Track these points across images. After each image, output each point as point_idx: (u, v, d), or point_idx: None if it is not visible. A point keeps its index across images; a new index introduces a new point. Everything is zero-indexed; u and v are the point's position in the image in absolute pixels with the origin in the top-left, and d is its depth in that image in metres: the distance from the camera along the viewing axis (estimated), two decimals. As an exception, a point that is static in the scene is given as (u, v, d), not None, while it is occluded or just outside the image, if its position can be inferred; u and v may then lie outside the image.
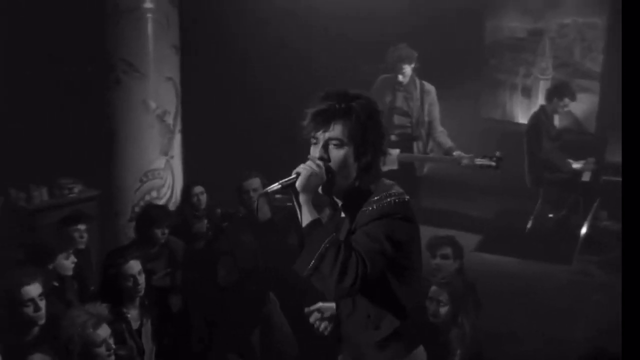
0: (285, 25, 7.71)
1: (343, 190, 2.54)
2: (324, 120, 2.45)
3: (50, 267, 4.66)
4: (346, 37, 7.85)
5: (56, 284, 4.63)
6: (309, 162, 2.44)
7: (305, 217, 2.40)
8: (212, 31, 7.31)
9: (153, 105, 6.75)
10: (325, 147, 2.47)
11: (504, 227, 8.19)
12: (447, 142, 6.52)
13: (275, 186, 2.44)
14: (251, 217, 5.57)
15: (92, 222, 5.72)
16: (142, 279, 4.18)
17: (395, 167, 6.56)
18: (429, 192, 7.19)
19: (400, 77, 6.50)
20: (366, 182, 2.55)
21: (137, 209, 6.78)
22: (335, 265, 2.30)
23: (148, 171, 6.86)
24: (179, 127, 7.06)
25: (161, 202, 6.77)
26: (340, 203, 2.63)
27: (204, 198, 6.30)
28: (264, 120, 7.97)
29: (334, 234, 2.41)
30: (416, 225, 2.58)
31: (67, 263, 4.87)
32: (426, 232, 3.54)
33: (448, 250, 4.76)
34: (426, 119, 6.56)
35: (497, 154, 6.18)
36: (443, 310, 4.17)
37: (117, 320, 4.06)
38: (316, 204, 2.45)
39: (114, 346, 3.60)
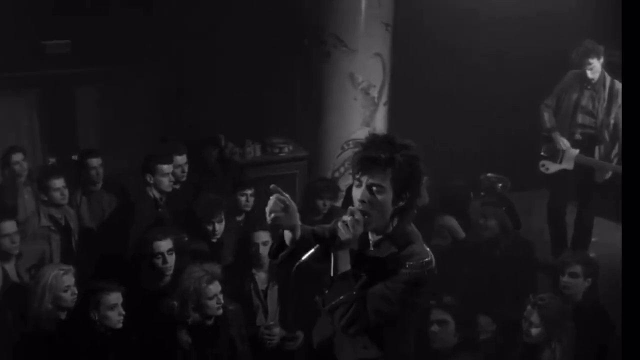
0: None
1: (378, 230, 2.75)
2: (368, 167, 2.63)
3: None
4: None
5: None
6: (349, 222, 2.62)
7: (338, 268, 2.66)
8: (424, 8, 7.43)
9: (359, 78, 7.16)
10: (369, 189, 2.67)
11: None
12: None
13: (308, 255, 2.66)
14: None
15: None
16: (264, 249, 4.58)
17: (570, 167, 6.31)
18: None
19: (589, 73, 6.10)
20: (401, 222, 2.75)
21: (336, 174, 7.37)
22: (344, 317, 2.63)
23: (349, 140, 7.34)
24: (383, 100, 7.40)
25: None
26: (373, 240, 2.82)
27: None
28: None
29: (354, 292, 2.65)
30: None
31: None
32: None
33: (577, 269, 4.55)
34: (612, 121, 6.11)
35: None
36: (534, 331, 4.11)
37: (245, 280, 4.62)
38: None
39: (222, 301, 4.07)
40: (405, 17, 7.29)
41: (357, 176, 2.67)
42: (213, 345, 4.01)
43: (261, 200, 4.82)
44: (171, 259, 4.46)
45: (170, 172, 5.57)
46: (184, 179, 5.95)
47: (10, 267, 4.75)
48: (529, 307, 4.15)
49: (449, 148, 7.75)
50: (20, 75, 7.07)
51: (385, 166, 2.60)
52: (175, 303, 4.01)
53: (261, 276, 4.76)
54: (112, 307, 3.84)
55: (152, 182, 5.47)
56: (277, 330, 4.57)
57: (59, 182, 5.32)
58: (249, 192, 5.76)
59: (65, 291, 4.05)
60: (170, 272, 4.44)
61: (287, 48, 7.68)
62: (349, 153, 7.29)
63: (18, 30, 6.65)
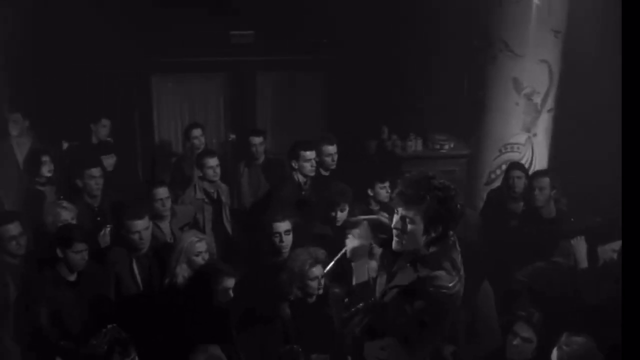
0: None
1: (411, 253, 3.12)
2: (403, 201, 3.04)
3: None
4: None
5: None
6: (356, 235, 3.17)
7: (356, 278, 3.18)
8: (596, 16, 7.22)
9: (523, 84, 7.20)
10: (402, 219, 3.04)
11: None
12: None
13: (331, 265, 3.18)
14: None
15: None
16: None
17: None
18: None
19: None
20: (437, 249, 3.08)
21: (492, 176, 7.49)
22: (360, 325, 3.09)
23: (508, 144, 7.43)
24: (547, 107, 7.36)
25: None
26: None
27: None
28: None
29: (370, 300, 3.09)
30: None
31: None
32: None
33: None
34: None
35: None
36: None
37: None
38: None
39: (322, 284, 4.47)
40: (577, 24, 7.15)
41: (396, 208, 3.07)
42: (311, 322, 4.44)
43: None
44: (288, 239, 4.95)
45: (313, 158, 6.05)
46: (334, 167, 6.37)
47: (164, 225, 5.55)
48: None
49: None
50: (211, 60, 8.00)
51: (418, 202, 2.98)
52: (285, 277, 4.51)
53: (372, 264, 5.09)
54: (227, 290, 4.39)
55: (296, 167, 6.03)
56: None
57: (212, 161, 6.00)
58: (387, 184, 6.01)
59: (197, 255, 4.74)
60: (287, 250, 4.93)
61: (457, 48, 7.88)
62: (506, 157, 7.39)
63: (209, 22, 7.50)
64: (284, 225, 4.97)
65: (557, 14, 7.06)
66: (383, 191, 6.04)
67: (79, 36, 7.24)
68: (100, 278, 4.82)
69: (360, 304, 3.04)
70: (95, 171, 5.74)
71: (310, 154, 6.06)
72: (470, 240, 5.31)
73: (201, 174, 6.07)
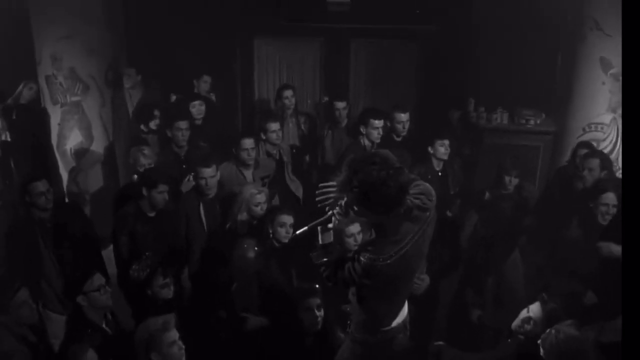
0: None
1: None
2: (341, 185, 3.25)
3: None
4: None
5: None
6: (337, 212, 3.33)
7: (324, 240, 3.45)
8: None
9: (612, 63, 7.13)
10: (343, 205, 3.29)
11: None
12: None
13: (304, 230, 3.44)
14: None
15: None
16: None
17: None
18: None
19: None
20: (381, 229, 3.35)
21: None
22: (325, 272, 3.48)
23: (592, 123, 7.43)
24: (635, 89, 7.25)
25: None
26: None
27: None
28: None
29: (329, 258, 3.44)
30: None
31: None
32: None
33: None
34: None
35: None
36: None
37: None
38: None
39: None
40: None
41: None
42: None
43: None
44: None
45: (381, 126, 6.47)
46: (404, 133, 6.76)
47: (248, 173, 6.17)
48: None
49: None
50: (309, 26, 8.50)
51: (347, 187, 3.11)
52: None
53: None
54: (282, 224, 5.02)
55: (364, 132, 6.49)
56: (426, 277, 5.33)
57: (275, 126, 6.44)
58: (446, 142, 6.38)
59: (256, 206, 5.37)
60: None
61: (553, 24, 7.87)
62: (589, 136, 7.39)
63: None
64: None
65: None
66: (442, 148, 6.39)
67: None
68: (175, 217, 5.55)
69: (325, 259, 3.44)
70: (183, 124, 6.41)
71: (379, 123, 6.48)
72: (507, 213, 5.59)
73: (264, 137, 6.44)
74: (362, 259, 3.31)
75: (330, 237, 3.44)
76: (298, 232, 3.46)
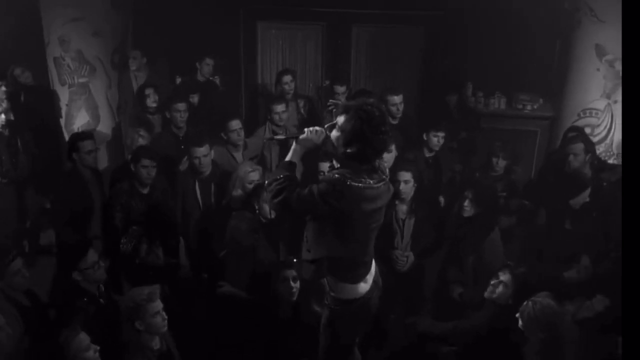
0: None
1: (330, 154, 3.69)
2: (339, 112, 3.54)
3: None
4: None
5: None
6: (313, 129, 3.61)
7: (288, 157, 3.61)
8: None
9: (606, 50, 7.21)
10: (334, 126, 3.54)
11: None
12: None
13: (281, 137, 3.79)
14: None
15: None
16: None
17: None
18: None
19: None
20: (349, 160, 3.51)
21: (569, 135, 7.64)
22: (273, 190, 3.49)
23: (587, 109, 7.51)
24: (632, 75, 7.32)
25: (594, 140, 7.24)
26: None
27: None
28: None
29: (289, 174, 3.51)
30: (347, 200, 3.42)
31: None
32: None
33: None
34: None
35: None
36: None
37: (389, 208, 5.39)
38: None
39: None
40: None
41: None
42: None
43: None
44: None
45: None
46: (399, 115, 6.88)
47: (238, 155, 6.39)
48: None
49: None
50: (311, 10, 8.66)
51: (345, 115, 3.45)
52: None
53: (402, 207, 5.67)
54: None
55: None
56: (410, 255, 5.52)
57: (280, 107, 6.64)
58: (441, 134, 6.54)
59: (250, 183, 5.60)
60: None
61: (552, 10, 7.94)
62: (584, 121, 7.48)
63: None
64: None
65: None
66: (435, 139, 6.53)
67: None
68: (167, 194, 5.79)
69: (280, 176, 3.50)
70: (181, 106, 6.63)
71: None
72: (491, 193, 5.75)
73: (269, 118, 6.67)
74: (336, 175, 3.45)
75: (297, 157, 3.63)
76: (276, 137, 3.72)
